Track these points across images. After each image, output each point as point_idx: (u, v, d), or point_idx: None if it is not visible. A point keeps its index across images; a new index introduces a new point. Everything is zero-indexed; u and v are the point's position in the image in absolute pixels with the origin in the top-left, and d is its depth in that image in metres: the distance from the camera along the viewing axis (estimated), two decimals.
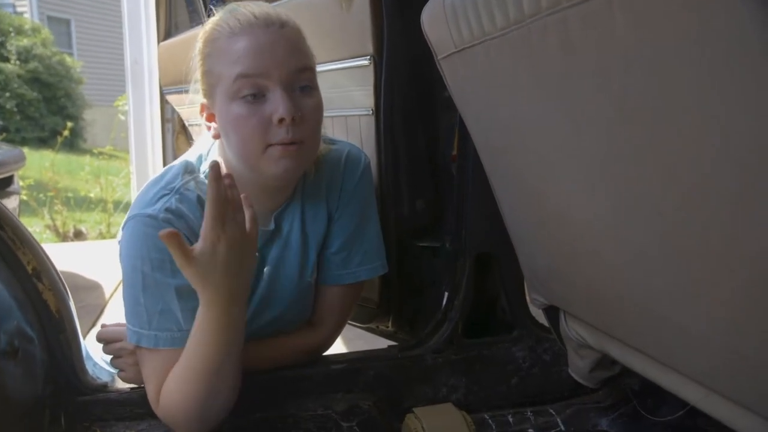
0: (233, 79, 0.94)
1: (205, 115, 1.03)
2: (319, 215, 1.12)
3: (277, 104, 0.94)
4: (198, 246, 0.87)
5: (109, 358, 1.13)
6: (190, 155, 1.09)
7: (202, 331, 0.92)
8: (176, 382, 0.95)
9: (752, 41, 0.47)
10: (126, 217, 1.00)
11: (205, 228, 0.88)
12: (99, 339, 1.12)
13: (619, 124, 0.67)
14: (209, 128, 1.02)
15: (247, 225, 0.92)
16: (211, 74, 0.98)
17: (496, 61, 0.83)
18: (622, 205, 0.74)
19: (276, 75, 0.94)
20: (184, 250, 0.86)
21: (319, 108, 1.01)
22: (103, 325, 1.15)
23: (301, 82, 0.97)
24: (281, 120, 0.94)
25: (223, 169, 1.05)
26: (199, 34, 1.02)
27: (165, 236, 0.84)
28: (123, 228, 0.99)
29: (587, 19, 0.62)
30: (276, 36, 0.96)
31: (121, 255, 0.99)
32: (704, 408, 0.80)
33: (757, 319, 0.63)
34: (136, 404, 1.06)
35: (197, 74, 1.02)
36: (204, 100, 1.02)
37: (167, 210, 0.96)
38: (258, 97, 0.95)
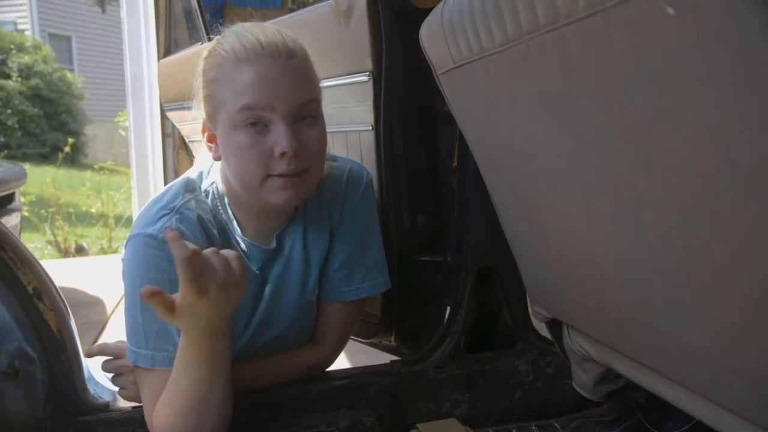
0: (237, 110, 0.94)
1: (206, 135, 1.02)
2: (321, 233, 1.12)
3: (280, 138, 0.93)
4: (178, 302, 0.84)
5: (110, 375, 1.13)
6: (191, 172, 1.09)
7: (186, 362, 0.92)
8: (164, 408, 0.95)
9: (753, 51, 0.47)
10: (128, 236, 1.00)
11: (181, 287, 0.84)
12: (98, 353, 1.11)
13: (618, 139, 0.67)
14: (210, 148, 1.02)
15: (234, 266, 0.87)
16: (214, 99, 0.98)
17: (494, 77, 0.84)
18: (622, 218, 0.74)
19: (280, 108, 0.94)
20: (165, 306, 0.83)
21: (322, 138, 1.00)
22: (104, 344, 1.14)
23: (304, 114, 0.97)
24: (283, 154, 0.93)
25: (222, 188, 1.05)
26: (203, 52, 1.02)
27: (146, 293, 0.82)
28: (125, 247, 0.99)
29: (585, 36, 0.62)
30: (282, 68, 0.95)
31: (123, 273, 0.99)
32: (710, 422, 0.80)
33: (762, 331, 0.63)
34: (138, 424, 1.05)
35: (200, 94, 1.02)
36: (205, 119, 1.02)
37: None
38: (260, 127, 0.94)
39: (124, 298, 1.00)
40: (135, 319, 0.96)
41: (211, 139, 1.01)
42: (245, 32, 0.97)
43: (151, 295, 0.82)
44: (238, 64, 0.94)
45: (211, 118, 0.99)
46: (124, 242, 1.01)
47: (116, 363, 1.10)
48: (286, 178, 0.95)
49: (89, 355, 1.12)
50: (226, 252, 0.88)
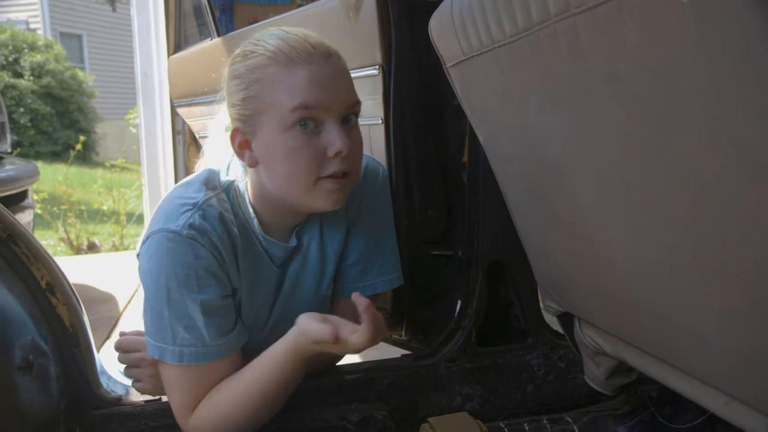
0: (291, 109, 0.92)
1: (238, 140, 0.99)
2: (337, 229, 1.12)
3: (335, 138, 0.93)
4: (350, 340, 0.91)
5: (123, 367, 1.13)
6: (208, 169, 1.08)
7: (275, 366, 0.95)
8: (225, 403, 0.96)
9: (757, 44, 0.47)
10: (147, 232, 0.98)
11: (364, 337, 0.91)
12: (117, 348, 1.12)
13: (629, 130, 0.66)
14: (242, 156, 1.00)
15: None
16: (258, 101, 0.95)
17: (505, 69, 0.83)
18: (634, 210, 0.74)
19: (335, 109, 0.94)
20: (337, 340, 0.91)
21: (362, 140, 1.02)
22: (121, 333, 1.14)
23: (351, 115, 0.98)
24: (338, 153, 0.94)
25: (244, 187, 1.05)
26: (235, 56, 1.00)
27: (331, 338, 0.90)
28: (144, 243, 0.98)
29: (597, 24, 0.61)
30: (337, 68, 0.96)
31: (142, 270, 0.98)
32: (724, 415, 0.79)
33: None
34: (151, 417, 1.06)
35: (234, 98, 0.98)
36: (238, 126, 0.99)
37: (191, 226, 0.95)
38: (311, 128, 0.94)
39: (144, 295, 0.99)
40: (161, 314, 0.96)
41: (244, 144, 0.99)
42: (287, 33, 0.96)
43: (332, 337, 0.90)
44: (291, 64, 0.93)
45: (250, 121, 0.97)
46: (142, 238, 1.00)
47: (135, 356, 1.09)
48: (337, 179, 0.96)
49: (118, 348, 1.12)
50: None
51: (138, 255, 1.01)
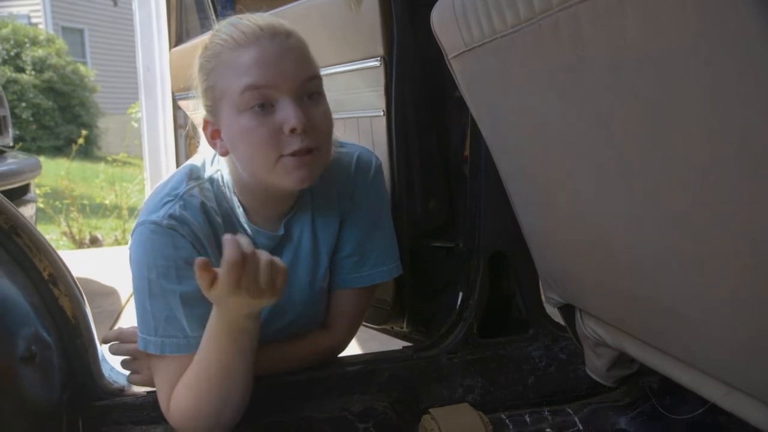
0: (240, 91, 0.93)
1: (209, 131, 1.00)
2: (329, 220, 1.12)
3: (288, 114, 0.93)
4: (215, 286, 0.85)
5: (122, 359, 1.14)
6: (195, 160, 1.09)
7: (215, 338, 0.93)
8: (187, 388, 0.96)
9: (757, 37, 0.46)
10: (135, 224, 1.00)
11: (220, 280, 0.84)
12: (113, 338, 1.12)
13: (631, 121, 0.66)
14: (215, 145, 1.00)
15: (279, 279, 0.88)
16: (214, 89, 0.96)
17: (507, 60, 0.83)
18: (635, 202, 0.74)
19: (285, 86, 0.93)
20: (206, 280, 0.85)
21: (328, 114, 1.00)
22: (120, 329, 1.15)
23: (309, 91, 0.96)
24: (293, 129, 0.92)
25: (228, 176, 1.05)
26: (201, 50, 1.01)
27: (198, 269, 0.83)
28: (132, 235, 1.00)
29: (598, 14, 0.61)
30: (283, 46, 0.94)
31: (130, 261, 1.00)
32: (725, 405, 0.79)
33: None
34: (153, 408, 1.06)
35: (200, 90, 1.00)
36: (207, 117, 1.00)
37: (171, 216, 0.96)
38: (267, 107, 0.93)
39: (133, 285, 1.00)
40: (144, 305, 0.97)
41: (215, 134, 0.99)
42: (240, 19, 0.97)
43: (200, 266, 0.83)
44: (238, 49, 0.94)
45: (213, 110, 0.98)
46: (131, 231, 1.01)
47: (129, 347, 1.10)
48: (299, 157, 0.94)
49: (106, 341, 1.13)
50: (276, 262, 0.87)
51: (129, 246, 1.02)
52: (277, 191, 1.02)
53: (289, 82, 0.94)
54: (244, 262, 0.84)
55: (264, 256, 0.87)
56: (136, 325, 1.09)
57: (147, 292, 0.96)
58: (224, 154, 1.01)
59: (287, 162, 0.94)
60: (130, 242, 1.00)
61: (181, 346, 0.96)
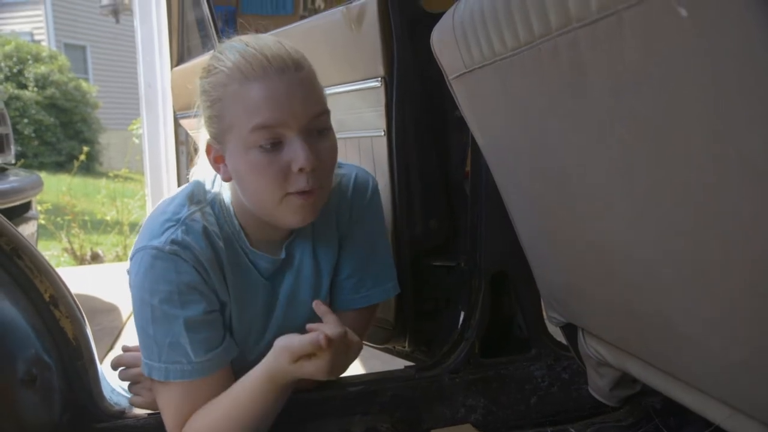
0: (249, 130, 0.91)
1: (212, 156, 0.99)
2: (329, 242, 1.11)
3: (297, 153, 0.91)
4: (312, 368, 0.93)
5: (125, 383, 1.13)
6: (195, 183, 1.08)
7: (259, 390, 0.95)
8: (212, 425, 0.96)
9: (759, 56, 0.47)
10: (133, 248, 0.99)
11: (319, 366, 0.93)
12: (116, 364, 1.12)
13: (632, 142, 0.67)
14: (218, 170, 0.99)
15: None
16: (221, 120, 0.94)
17: (507, 82, 0.83)
18: (636, 222, 0.74)
19: (294, 124, 0.91)
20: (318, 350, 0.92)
21: (334, 150, 0.98)
22: (123, 347, 1.14)
23: (317, 126, 0.95)
24: (301, 169, 0.91)
25: (229, 200, 1.04)
26: (203, 70, 0.98)
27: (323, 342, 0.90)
28: (131, 259, 0.99)
29: (597, 39, 0.62)
30: (292, 82, 0.91)
31: (130, 286, 0.99)
32: (728, 427, 0.79)
33: None
34: (154, 430, 1.06)
35: (204, 114, 0.98)
36: (211, 142, 0.98)
37: (173, 242, 0.95)
38: (275, 145, 0.92)
39: (132, 312, 1.00)
40: (146, 331, 0.96)
41: (219, 159, 0.98)
42: (246, 46, 0.93)
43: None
44: (246, 82, 0.91)
45: (219, 138, 0.96)
46: (130, 254, 1.00)
47: (132, 372, 1.10)
48: (304, 195, 0.93)
49: (116, 367, 1.12)
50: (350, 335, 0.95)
51: (128, 271, 1.02)
52: (283, 225, 1.01)
53: (298, 119, 0.92)
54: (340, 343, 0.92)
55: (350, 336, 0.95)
56: (136, 345, 1.09)
57: (150, 317, 0.95)
58: (227, 179, 0.99)
59: (292, 200, 0.94)
60: (129, 267, 1.00)
61: (185, 372, 0.96)
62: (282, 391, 0.97)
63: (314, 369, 0.92)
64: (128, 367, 1.11)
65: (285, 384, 0.96)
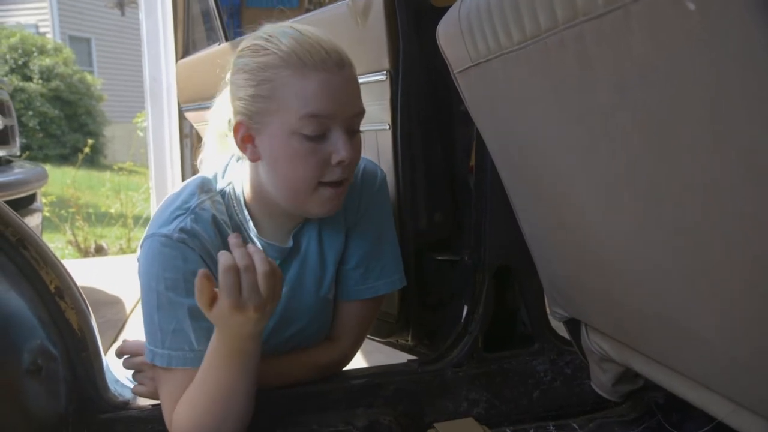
0: (300, 117, 0.92)
1: (241, 135, 0.98)
2: (336, 231, 1.12)
3: (339, 146, 0.95)
4: (218, 305, 0.85)
5: (129, 372, 1.14)
6: (205, 172, 1.09)
7: (216, 358, 0.93)
8: (188, 405, 0.95)
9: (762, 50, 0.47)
10: (143, 236, 1.00)
11: (220, 296, 0.85)
12: (120, 352, 1.13)
13: (637, 136, 0.67)
14: (245, 149, 0.99)
15: (275, 282, 0.87)
16: (268, 100, 0.94)
17: (512, 75, 0.83)
18: (641, 217, 0.74)
19: (341, 117, 0.95)
20: (206, 297, 0.85)
21: (361, 147, 1.02)
22: (124, 341, 1.15)
23: (355, 124, 0.99)
24: (341, 162, 0.95)
25: (240, 189, 1.05)
26: (244, 49, 0.98)
27: (199, 278, 0.84)
28: (141, 247, 1.00)
29: (604, 32, 0.62)
30: (347, 78, 0.96)
31: (139, 273, 1.00)
32: (731, 423, 0.79)
33: None
34: (158, 421, 1.06)
35: (241, 92, 0.97)
36: (242, 120, 0.97)
37: (181, 230, 0.96)
38: (320, 136, 0.94)
39: (140, 299, 1.00)
40: (151, 318, 0.97)
41: (248, 139, 0.98)
42: (302, 34, 0.95)
43: (201, 279, 0.83)
44: (304, 69, 0.92)
45: (256, 118, 0.96)
46: (140, 242, 1.01)
47: (136, 360, 1.11)
48: (335, 187, 0.98)
49: (121, 355, 1.13)
50: (270, 264, 0.87)
51: (138, 258, 1.02)
52: (305, 214, 1.03)
53: (345, 114, 0.95)
54: (245, 268, 0.84)
55: (259, 260, 0.85)
56: (141, 336, 1.10)
57: (155, 304, 0.96)
58: (255, 160, 0.99)
59: (324, 191, 0.97)
60: (138, 254, 1.00)
61: (187, 360, 0.96)
62: (232, 352, 0.91)
63: (227, 303, 0.84)
64: (132, 355, 1.11)
65: (234, 344, 0.90)
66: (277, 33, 0.96)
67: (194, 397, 0.95)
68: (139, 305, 1.15)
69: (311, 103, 0.93)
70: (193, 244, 0.96)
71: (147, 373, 1.09)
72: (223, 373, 0.93)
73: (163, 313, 0.96)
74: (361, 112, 0.99)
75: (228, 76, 1.02)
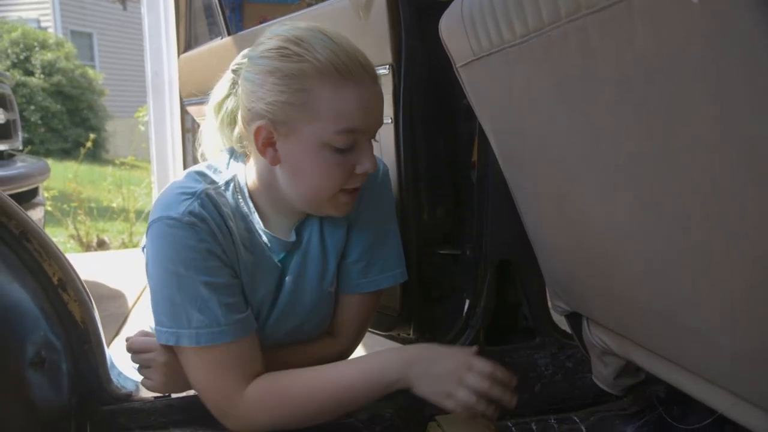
0: (335, 131, 0.93)
1: (262, 138, 0.96)
2: (337, 225, 1.12)
3: (366, 158, 0.97)
4: (463, 388, 0.95)
5: (136, 366, 1.13)
6: (205, 165, 1.07)
7: (375, 383, 0.97)
8: (284, 399, 0.97)
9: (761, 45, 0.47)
10: (149, 221, 0.99)
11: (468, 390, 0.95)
12: (130, 349, 1.10)
13: (639, 130, 0.67)
14: (264, 153, 0.97)
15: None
16: (300, 109, 0.93)
17: (515, 69, 0.83)
18: (643, 211, 0.74)
19: (370, 132, 0.98)
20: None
21: None
22: (127, 339, 1.13)
23: (375, 134, 1.01)
24: (365, 172, 0.98)
25: (245, 182, 1.05)
26: (270, 50, 0.95)
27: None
28: (147, 233, 0.99)
29: (607, 26, 0.62)
30: (377, 93, 0.98)
31: (148, 259, 0.99)
32: (732, 416, 0.79)
33: None
34: (161, 413, 1.07)
35: (269, 96, 0.94)
36: (264, 124, 0.95)
37: (191, 213, 0.95)
38: (350, 148, 0.96)
39: (151, 285, 0.99)
40: (172, 301, 0.95)
41: (268, 143, 0.96)
42: (336, 44, 0.93)
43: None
44: (343, 83, 0.92)
45: (284, 124, 0.94)
46: (146, 228, 1.00)
47: (146, 356, 1.07)
48: (352, 193, 1.01)
49: (131, 351, 1.10)
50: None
51: (143, 248, 1.02)
52: (320, 213, 1.05)
53: (374, 128, 0.99)
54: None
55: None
56: (144, 329, 1.10)
57: (176, 285, 0.95)
58: (275, 164, 0.99)
59: (342, 197, 1.00)
60: (146, 240, 0.99)
61: (215, 335, 0.95)
62: (388, 389, 0.98)
63: (471, 401, 0.95)
64: (140, 351, 1.09)
65: (396, 387, 0.97)
66: (308, 38, 0.94)
67: (300, 396, 0.97)
68: (142, 299, 1.15)
69: (349, 119, 0.93)
70: (202, 226, 0.96)
71: (156, 367, 1.06)
72: (364, 399, 0.98)
73: (185, 292, 0.95)
74: (382, 122, 1.02)
75: (239, 71, 1.00)
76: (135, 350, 1.08)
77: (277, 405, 0.97)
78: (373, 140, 1.01)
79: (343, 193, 1.00)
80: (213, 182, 1.03)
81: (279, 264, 1.08)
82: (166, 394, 1.10)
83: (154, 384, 1.07)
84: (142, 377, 1.09)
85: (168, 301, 0.96)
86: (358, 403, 1.00)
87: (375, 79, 0.97)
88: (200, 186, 1.00)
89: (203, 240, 0.95)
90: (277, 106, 0.94)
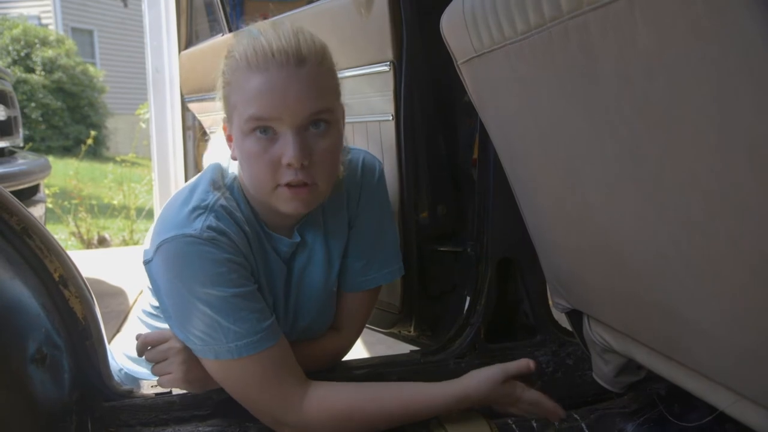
0: (245, 119, 0.93)
1: (226, 134, 1.01)
2: (340, 225, 1.12)
3: (286, 148, 0.92)
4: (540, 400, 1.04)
5: (139, 365, 1.13)
6: (213, 167, 1.07)
7: (449, 400, 1.00)
8: (354, 412, 0.98)
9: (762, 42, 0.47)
10: (158, 240, 0.96)
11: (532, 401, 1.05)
12: (142, 345, 1.07)
13: (640, 127, 0.66)
14: (231, 147, 1.01)
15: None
16: (228, 102, 0.97)
17: (516, 66, 0.83)
18: (644, 208, 0.74)
19: (288, 119, 0.92)
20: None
21: (332, 148, 0.98)
22: (137, 336, 1.09)
23: (315, 121, 0.94)
24: (289, 164, 0.93)
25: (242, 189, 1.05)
26: (226, 51, 1.00)
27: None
28: (157, 251, 0.96)
29: (608, 22, 0.62)
30: (290, 78, 0.92)
31: (163, 279, 0.96)
32: (733, 413, 0.79)
33: None
34: (162, 410, 1.07)
35: (218, 93, 1.01)
36: (225, 120, 1.01)
37: (209, 228, 0.95)
38: (270, 135, 0.93)
39: (172, 307, 0.97)
40: (204, 320, 0.94)
41: (230, 138, 1.00)
42: (260, 35, 0.94)
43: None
44: (249, 71, 0.93)
45: (228, 119, 0.99)
46: (149, 246, 0.98)
47: (162, 347, 1.05)
48: (293, 189, 0.94)
49: (144, 347, 1.07)
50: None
51: (146, 263, 0.99)
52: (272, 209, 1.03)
53: (293, 115, 0.92)
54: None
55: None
56: (142, 329, 1.09)
57: (206, 304, 0.93)
58: (234, 158, 1.01)
59: (283, 192, 0.95)
60: (156, 262, 0.97)
61: (256, 343, 0.94)
62: (461, 406, 1.03)
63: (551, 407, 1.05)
64: (154, 346, 1.06)
65: (471, 405, 1.04)
66: (243, 35, 0.97)
67: (367, 408, 0.98)
68: (142, 296, 1.15)
69: (252, 106, 0.92)
70: (223, 240, 0.95)
71: (175, 358, 1.03)
72: (434, 411, 1.01)
73: (216, 310, 0.93)
74: (318, 111, 0.94)
75: None
76: (149, 343, 1.06)
77: (347, 418, 0.98)
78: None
79: (282, 188, 0.95)
80: (220, 187, 1.02)
81: (284, 265, 1.08)
82: (167, 390, 1.09)
83: (174, 377, 1.03)
84: (159, 377, 1.05)
85: (199, 321, 0.94)
86: (425, 416, 1.02)
87: (283, 65, 0.91)
88: (211, 198, 0.99)
89: (226, 252, 0.95)
90: (222, 102, 0.99)
